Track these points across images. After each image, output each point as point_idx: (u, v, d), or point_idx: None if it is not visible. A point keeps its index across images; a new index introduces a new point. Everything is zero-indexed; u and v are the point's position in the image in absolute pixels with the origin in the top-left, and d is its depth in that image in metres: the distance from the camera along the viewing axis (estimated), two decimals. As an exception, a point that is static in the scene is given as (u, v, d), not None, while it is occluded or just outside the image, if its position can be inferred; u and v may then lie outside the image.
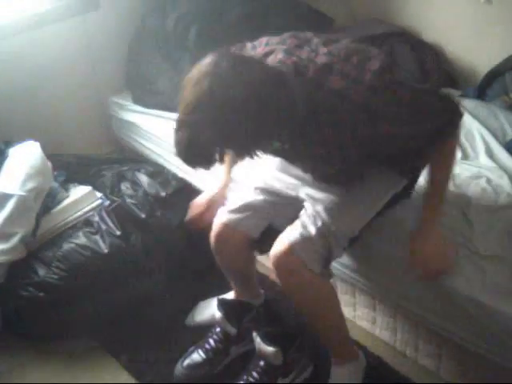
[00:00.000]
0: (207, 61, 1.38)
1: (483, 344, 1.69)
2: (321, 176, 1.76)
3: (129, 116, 2.79)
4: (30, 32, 2.54)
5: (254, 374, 1.89)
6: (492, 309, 1.63)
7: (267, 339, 1.87)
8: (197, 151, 1.40)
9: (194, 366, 1.99)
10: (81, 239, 2.17)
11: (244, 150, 1.46)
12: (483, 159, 2.15)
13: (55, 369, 2.09)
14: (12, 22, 2.51)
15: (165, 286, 2.28)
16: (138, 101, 2.77)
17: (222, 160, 1.43)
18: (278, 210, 1.87)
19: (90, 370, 2.08)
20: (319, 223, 1.69)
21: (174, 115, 2.54)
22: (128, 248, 2.17)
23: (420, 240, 1.68)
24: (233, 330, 1.97)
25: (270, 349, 1.85)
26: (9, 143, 2.33)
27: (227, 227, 1.89)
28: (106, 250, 2.14)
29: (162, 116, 2.66)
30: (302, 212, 1.75)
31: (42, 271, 2.12)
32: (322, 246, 1.68)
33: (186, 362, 2.00)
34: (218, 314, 2.00)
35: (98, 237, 2.18)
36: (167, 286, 2.29)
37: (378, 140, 1.54)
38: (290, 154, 1.73)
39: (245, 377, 1.90)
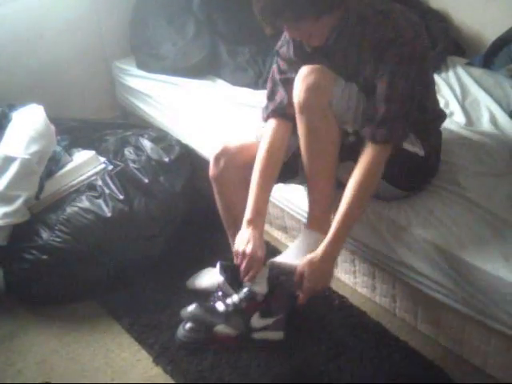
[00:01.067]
0: None
1: (484, 310, 1.70)
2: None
3: (132, 81, 2.78)
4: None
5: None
6: (490, 275, 1.64)
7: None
8: None
9: (196, 330, 2.01)
10: (84, 203, 2.18)
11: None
12: (487, 126, 2.16)
13: (57, 332, 2.11)
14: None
15: (167, 251, 2.30)
16: (141, 66, 2.76)
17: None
18: None
19: (92, 333, 2.09)
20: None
21: (178, 80, 2.63)
22: (131, 212, 2.18)
23: (318, 261, 1.71)
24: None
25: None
26: (12, 106, 2.34)
27: (231, 148, 1.91)
28: (109, 214, 2.15)
29: (165, 81, 2.67)
30: None
31: (45, 234, 2.14)
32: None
33: (188, 325, 2.02)
34: (219, 278, 2.01)
35: (101, 201, 2.19)
36: (169, 250, 2.31)
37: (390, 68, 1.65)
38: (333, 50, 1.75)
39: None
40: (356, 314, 2.06)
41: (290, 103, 1.79)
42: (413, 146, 1.80)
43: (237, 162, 1.91)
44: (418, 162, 1.83)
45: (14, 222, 2.14)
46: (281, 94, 1.85)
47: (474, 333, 1.84)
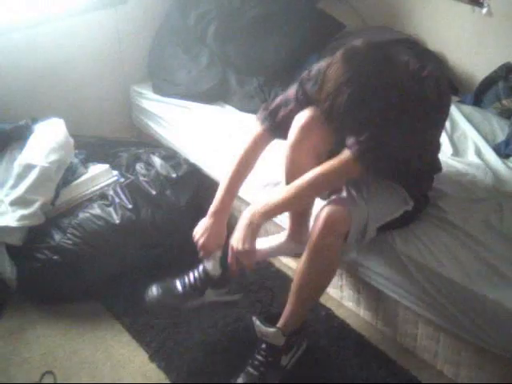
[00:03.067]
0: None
1: (457, 322, 1.84)
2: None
3: (148, 104, 2.98)
4: (63, 21, 2.80)
5: (259, 357, 1.96)
6: (463, 288, 1.79)
7: (266, 321, 1.96)
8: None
9: (167, 293, 2.04)
10: (95, 210, 2.36)
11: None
12: (472, 158, 2.31)
13: (63, 328, 2.26)
14: (48, 12, 2.76)
15: (168, 259, 2.45)
16: (157, 90, 2.97)
17: None
18: None
19: (94, 330, 2.24)
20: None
21: (190, 104, 2.83)
22: (138, 220, 2.36)
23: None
24: (218, 271, 2.00)
25: (270, 330, 1.93)
26: (35, 119, 2.54)
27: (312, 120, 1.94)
28: (117, 221, 2.33)
29: (178, 105, 2.87)
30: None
31: (57, 236, 2.31)
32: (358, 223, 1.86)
33: (161, 285, 2.06)
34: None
35: (111, 209, 2.37)
36: (170, 258, 2.46)
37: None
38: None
39: (250, 361, 1.97)
40: (340, 325, 2.19)
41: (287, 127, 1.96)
42: (404, 207, 1.95)
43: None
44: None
45: (29, 224, 2.31)
46: (284, 114, 1.98)
47: (449, 346, 1.97)
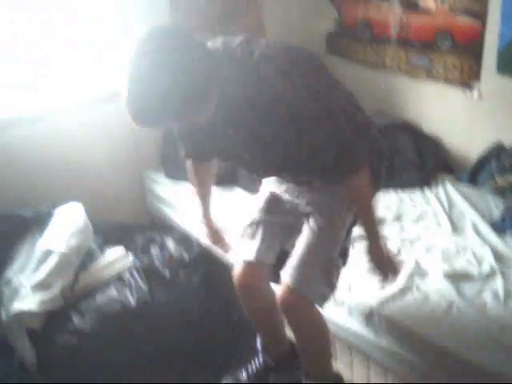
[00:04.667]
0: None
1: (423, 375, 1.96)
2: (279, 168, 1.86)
3: (161, 189, 3.14)
4: (80, 114, 2.99)
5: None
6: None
7: None
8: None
9: None
10: (112, 292, 2.47)
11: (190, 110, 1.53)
12: (470, 234, 2.45)
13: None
14: (66, 104, 2.98)
15: (186, 340, 2.52)
16: (169, 175, 3.14)
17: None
18: (284, 228, 2.06)
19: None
20: (321, 255, 1.89)
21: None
22: (153, 302, 2.46)
23: (372, 251, 1.91)
24: (271, 362, 2.18)
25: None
26: (54, 205, 2.68)
27: (246, 266, 2.04)
28: (133, 303, 2.43)
29: (190, 189, 2.99)
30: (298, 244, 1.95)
31: (76, 320, 2.40)
32: (324, 271, 1.88)
33: (230, 380, 2.26)
34: (259, 343, 2.23)
35: (127, 291, 2.48)
36: (188, 339, 2.53)
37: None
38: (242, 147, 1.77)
39: None
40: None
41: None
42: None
43: (257, 273, 2.04)
44: None
45: (49, 308, 2.39)
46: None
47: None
